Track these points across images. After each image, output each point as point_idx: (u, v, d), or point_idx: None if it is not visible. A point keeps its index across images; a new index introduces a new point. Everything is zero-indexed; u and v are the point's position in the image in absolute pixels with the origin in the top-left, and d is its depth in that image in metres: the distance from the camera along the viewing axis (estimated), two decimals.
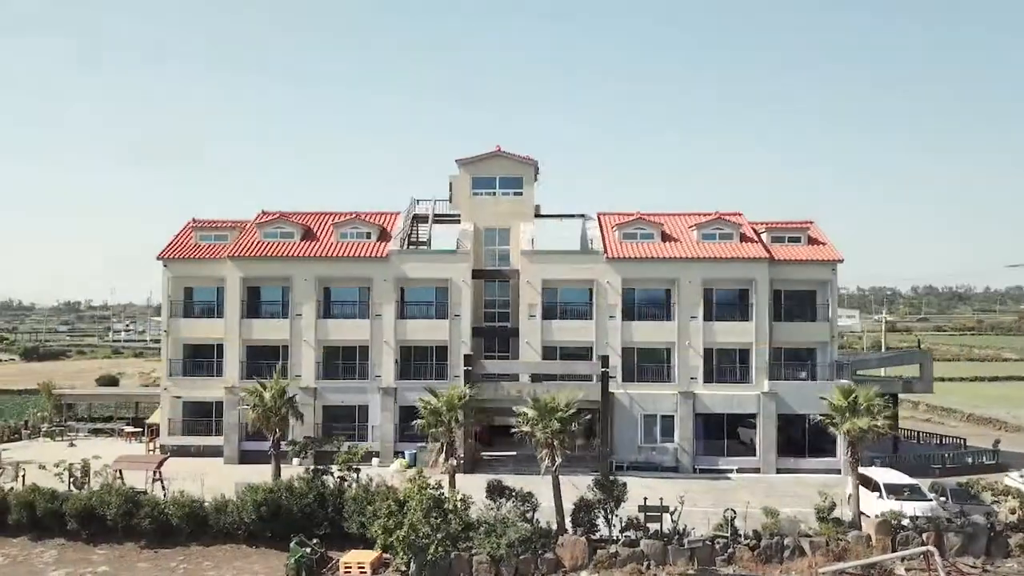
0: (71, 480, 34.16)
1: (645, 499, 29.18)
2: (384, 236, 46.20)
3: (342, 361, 44.81)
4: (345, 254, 44.42)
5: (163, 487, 34.10)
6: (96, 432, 53.93)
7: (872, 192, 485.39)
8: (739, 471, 41.75)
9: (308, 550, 28.60)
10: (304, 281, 44.17)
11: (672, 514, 28.61)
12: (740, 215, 47.61)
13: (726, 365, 43.67)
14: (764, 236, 45.98)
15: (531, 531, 27.55)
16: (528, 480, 31.73)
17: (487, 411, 41.93)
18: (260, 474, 34.17)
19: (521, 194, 47.59)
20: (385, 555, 28.11)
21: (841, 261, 44.48)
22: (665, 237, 45.34)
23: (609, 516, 28.60)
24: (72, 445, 49.37)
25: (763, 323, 42.93)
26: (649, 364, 43.56)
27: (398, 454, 42.95)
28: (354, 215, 46.23)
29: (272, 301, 45.79)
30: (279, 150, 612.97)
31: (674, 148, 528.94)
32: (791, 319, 44.83)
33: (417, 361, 44.66)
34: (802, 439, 42.39)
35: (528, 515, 28.53)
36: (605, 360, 40.88)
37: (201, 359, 46.03)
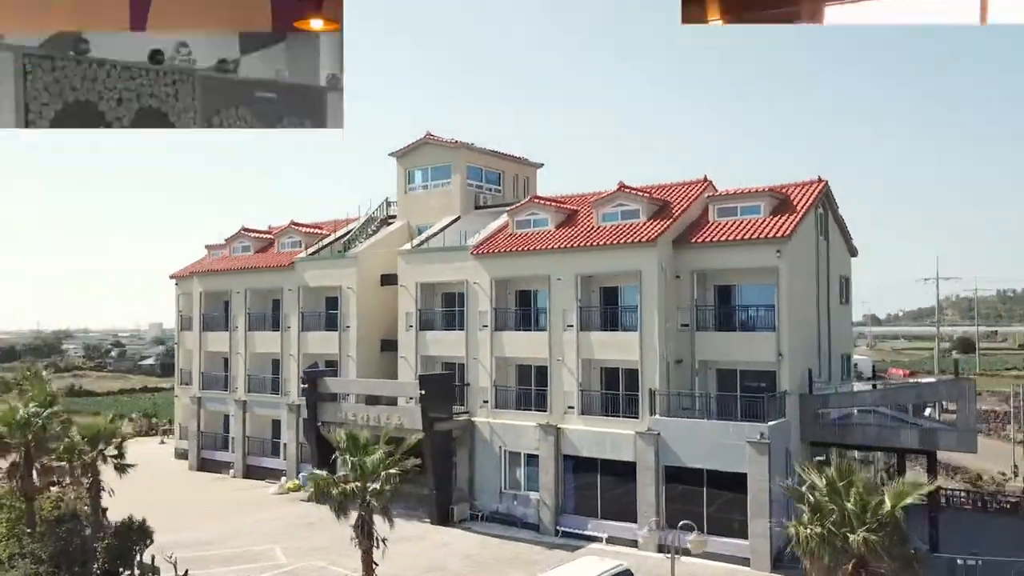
0: None
1: (174, 559, 22.96)
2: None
3: (271, 374, 43.83)
4: (265, 265, 43.41)
5: None
6: None
7: None
8: (609, 540, 29.91)
9: None
10: (237, 293, 44.38)
11: None
12: (703, 183, 34.23)
13: (631, 392, 31.45)
14: (711, 211, 32.35)
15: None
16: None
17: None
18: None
19: (448, 184, 41.02)
20: None
21: (787, 238, 28.88)
22: (567, 223, 34.70)
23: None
24: (162, 443, 56.82)
25: (650, 332, 30.03)
26: (529, 387, 33.81)
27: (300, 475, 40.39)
28: (291, 224, 44.79)
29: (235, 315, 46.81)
30: None
31: None
32: (745, 328, 30.81)
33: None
34: (699, 505, 28.61)
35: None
36: (425, 380, 33.00)
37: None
